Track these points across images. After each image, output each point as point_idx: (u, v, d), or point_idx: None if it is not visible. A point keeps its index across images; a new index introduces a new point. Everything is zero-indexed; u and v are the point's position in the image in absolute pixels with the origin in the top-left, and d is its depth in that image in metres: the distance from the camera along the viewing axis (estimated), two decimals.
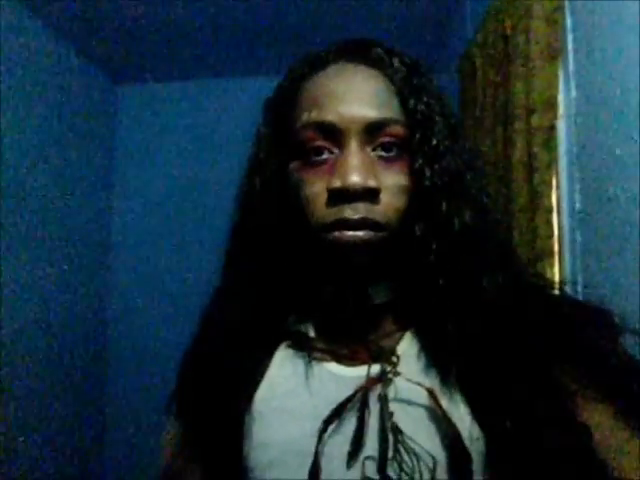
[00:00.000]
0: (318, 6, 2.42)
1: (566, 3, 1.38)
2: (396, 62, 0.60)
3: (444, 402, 0.55)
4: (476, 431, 0.54)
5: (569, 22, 1.38)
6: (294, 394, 0.60)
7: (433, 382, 0.57)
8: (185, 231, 3.11)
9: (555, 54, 1.39)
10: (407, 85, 0.58)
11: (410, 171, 0.57)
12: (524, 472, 0.52)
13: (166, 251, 3.12)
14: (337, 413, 0.56)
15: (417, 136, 0.57)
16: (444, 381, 0.57)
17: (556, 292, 0.63)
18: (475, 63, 1.79)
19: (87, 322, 2.88)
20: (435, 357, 0.58)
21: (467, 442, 0.53)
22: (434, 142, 0.57)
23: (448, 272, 0.55)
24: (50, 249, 2.58)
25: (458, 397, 0.56)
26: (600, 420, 0.52)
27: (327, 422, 0.56)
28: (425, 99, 0.58)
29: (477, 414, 0.55)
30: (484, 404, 0.55)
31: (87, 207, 2.93)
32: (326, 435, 0.56)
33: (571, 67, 1.37)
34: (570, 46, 1.38)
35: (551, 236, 1.39)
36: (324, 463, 0.55)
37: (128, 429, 2.90)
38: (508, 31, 1.57)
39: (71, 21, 2.53)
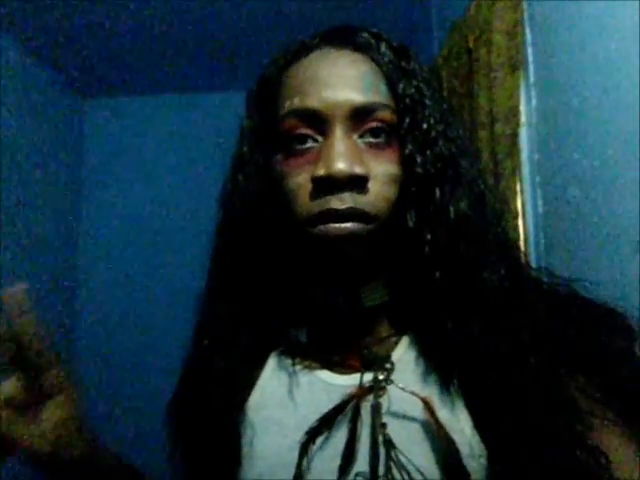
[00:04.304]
0: (285, 23, 2.39)
1: (525, 18, 1.42)
2: (383, 46, 0.55)
3: (443, 413, 0.49)
4: (478, 446, 0.48)
5: (529, 36, 1.41)
6: (283, 404, 0.54)
7: (432, 391, 0.50)
8: (154, 247, 3.01)
9: (516, 66, 1.41)
10: (395, 69, 0.53)
11: (400, 159, 0.51)
12: None
13: (135, 269, 3.01)
14: (324, 424, 0.50)
15: (407, 121, 0.51)
16: (444, 389, 0.50)
17: (563, 289, 0.56)
18: (441, 75, 1.86)
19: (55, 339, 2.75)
20: (435, 363, 0.52)
21: (467, 459, 0.47)
22: (425, 127, 0.51)
23: (444, 265, 0.49)
24: (16, 265, 2.43)
25: (460, 408, 0.50)
26: (616, 444, 0.46)
27: (312, 434, 0.50)
28: (414, 83, 0.53)
29: (480, 426, 0.48)
30: (488, 415, 0.48)
31: (54, 223, 2.80)
32: (314, 448, 0.50)
33: (532, 78, 1.41)
34: (530, 58, 1.41)
35: (518, 240, 1.38)
36: (313, 478, 0.49)
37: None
38: (471, 45, 1.61)
39: (38, 34, 2.43)
